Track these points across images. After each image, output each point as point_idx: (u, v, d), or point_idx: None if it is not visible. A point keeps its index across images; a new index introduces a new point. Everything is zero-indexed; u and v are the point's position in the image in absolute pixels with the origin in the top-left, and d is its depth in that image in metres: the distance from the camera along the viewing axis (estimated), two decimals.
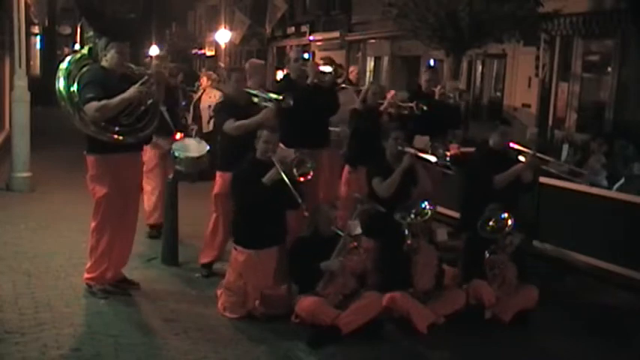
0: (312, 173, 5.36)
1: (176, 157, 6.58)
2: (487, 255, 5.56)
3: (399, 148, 5.86)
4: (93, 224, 5.56)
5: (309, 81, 6.43)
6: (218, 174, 6.26)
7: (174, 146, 6.75)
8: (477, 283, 5.53)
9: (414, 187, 5.92)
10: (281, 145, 5.69)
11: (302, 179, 5.29)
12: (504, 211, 5.61)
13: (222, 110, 6.24)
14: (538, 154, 6.02)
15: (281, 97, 5.92)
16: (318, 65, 6.64)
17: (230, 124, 5.99)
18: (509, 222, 5.56)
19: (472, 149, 7.04)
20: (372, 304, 5.10)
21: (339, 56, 24.02)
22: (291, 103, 5.92)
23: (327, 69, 6.64)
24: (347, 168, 6.99)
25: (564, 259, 7.13)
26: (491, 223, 5.61)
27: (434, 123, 6.95)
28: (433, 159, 5.82)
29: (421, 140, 5.95)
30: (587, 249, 6.91)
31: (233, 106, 6.10)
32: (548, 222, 7.32)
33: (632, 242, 6.54)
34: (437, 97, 7.16)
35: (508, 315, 5.51)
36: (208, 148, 6.69)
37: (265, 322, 5.21)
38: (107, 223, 5.51)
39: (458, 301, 5.43)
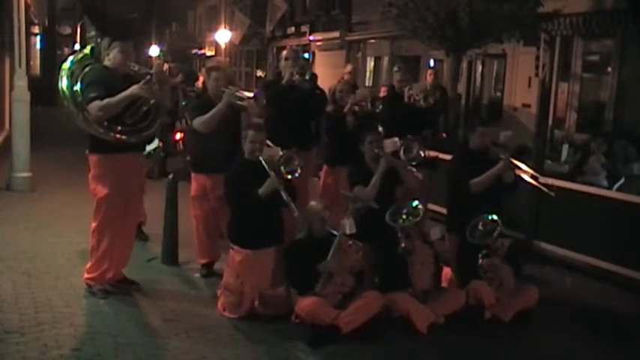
0: (299, 171, 5.35)
1: None
2: (480, 260, 5.55)
3: (376, 151, 5.82)
4: (94, 224, 5.56)
5: (284, 81, 6.42)
6: (192, 175, 6.27)
7: None
8: (477, 284, 5.52)
9: (399, 186, 5.90)
10: (269, 142, 5.67)
11: (289, 177, 5.29)
12: (492, 215, 5.58)
13: (197, 108, 6.16)
14: (511, 159, 5.91)
15: (251, 96, 5.90)
16: (294, 66, 6.47)
17: (197, 120, 5.98)
18: (498, 224, 5.54)
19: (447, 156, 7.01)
20: (372, 304, 5.10)
21: (339, 56, 24.05)
22: (263, 102, 5.93)
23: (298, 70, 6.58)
24: (325, 168, 7.01)
25: (564, 259, 7.13)
26: (480, 227, 5.59)
27: (403, 124, 6.77)
28: (405, 159, 5.80)
29: (391, 143, 5.87)
30: (587, 249, 6.91)
31: (209, 105, 5.98)
32: (548, 222, 7.32)
33: (633, 242, 6.55)
34: (405, 98, 7.08)
35: (508, 315, 5.51)
36: (156, 144, 6.69)
37: (265, 322, 5.21)
38: (108, 224, 5.51)
39: (458, 301, 5.43)
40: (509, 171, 5.84)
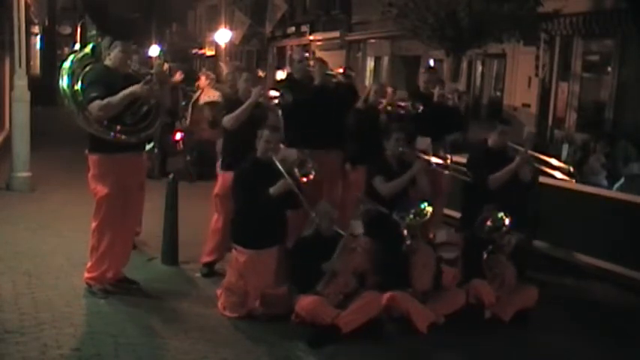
0: (313, 174, 5.34)
1: None
2: (485, 255, 5.56)
3: (400, 149, 5.86)
4: (94, 224, 5.56)
5: (316, 82, 6.42)
6: (219, 174, 6.27)
7: None
8: (477, 283, 5.53)
9: (412, 188, 5.91)
10: (282, 145, 5.70)
11: (304, 180, 5.29)
12: (501, 211, 5.60)
13: (226, 108, 6.27)
14: (531, 152, 5.96)
15: (279, 94, 5.93)
16: (326, 67, 6.56)
17: (225, 118, 6.05)
18: (506, 221, 5.55)
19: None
20: (372, 304, 5.10)
21: (339, 56, 24.05)
22: (290, 99, 5.92)
23: (334, 72, 6.64)
24: (347, 166, 6.99)
25: (564, 258, 7.13)
26: (488, 223, 5.60)
27: (432, 125, 6.89)
28: (436, 161, 5.82)
29: (423, 141, 5.91)
30: (587, 249, 6.91)
31: (239, 105, 6.08)
32: (548, 222, 7.32)
33: (632, 242, 6.54)
34: (435, 98, 7.12)
35: (508, 314, 5.51)
36: (152, 145, 6.75)
37: (265, 322, 5.20)
38: (108, 223, 5.51)
39: (458, 301, 5.43)
40: (526, 169, 5.88)
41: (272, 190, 5.18)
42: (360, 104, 6.99)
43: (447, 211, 7.75)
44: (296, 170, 5.26)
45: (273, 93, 6.03)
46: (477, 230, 5.61)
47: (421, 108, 6.83)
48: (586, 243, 6.91)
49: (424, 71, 7.64)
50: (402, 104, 6.90)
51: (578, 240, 6.98)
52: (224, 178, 6.14)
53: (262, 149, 5.38)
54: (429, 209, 5.50)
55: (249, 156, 5.47)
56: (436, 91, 7.17)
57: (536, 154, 6.05)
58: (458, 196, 6.50)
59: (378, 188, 5.76)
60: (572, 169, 6.23)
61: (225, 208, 6.11)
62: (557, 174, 6.17)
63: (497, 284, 5.55)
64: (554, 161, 6.20)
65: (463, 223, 6.25)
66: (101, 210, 5.50)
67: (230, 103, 6.33)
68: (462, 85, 16.20)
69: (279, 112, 6.74)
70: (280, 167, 5.20)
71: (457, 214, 7.06)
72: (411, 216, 5.44)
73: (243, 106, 5.99)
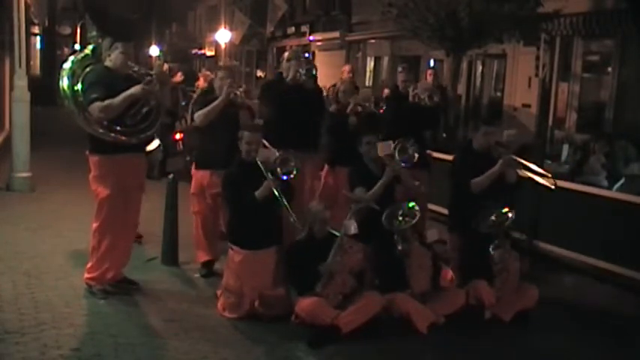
0: (295, 172, 5.35)
1: None
2: (492, 251, 5.53)
3: (373, 153, 5.81)
4: (95, 225, 5.56)
5: (288, 80, 6.39)
6: (192, 172, 6.31)
7: None
8: (477, 283, 5.52)
9: (398, 186, 5.89)
10: (265, 142, 5.69)
11: (285, 177, 5.30)
12: (496, 207, 5.58)
13: (201, 104, 6.27)
14: (514, 156, 5.89)
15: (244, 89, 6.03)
16: (299, 64, 6.45)
17: (197, 113, 6.10)
18: (510, 216, 5.54)
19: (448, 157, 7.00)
20: (372, 304, 5.10)
21: (339, 56, 24.06)
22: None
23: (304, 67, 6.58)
24: (325, 168, 7.00)
25: (564, 258, 7.13)
26: (493, 217, 5.58)
27: (407, 124, 6.76)
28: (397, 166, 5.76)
29: (386, 146, 5.84)
30: (587, 249, 6.91)
31: (210, 101, 6.10)
32: (548, 222, 7.32)
33: (632, 242, 6.54)
34: (410, 98, 7.09)
35: (508, 315, 5.50)
36: (158, 143, 6.82)
37: (265, 323, 5.20)
38: (109, 224, 5.51)
39: (458, 301, 5.42)
40: (512, 170, 5.83)
41: (257, 193, 5.21)
42: (331, 107, 6.97)
43: (433, 207, 7.74)
44: (278, 169, 5.27)
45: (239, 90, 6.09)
46: (479, 225, 5.56)
47: (383, 108, 6.83)
48: (586, 243, 6.91)
49: (401, 70, 7.61)
50: (364, 104, 6.83)
51: (578, 240, 6.97)
52: (196, 176, 6.26)
53: (245, 151, 5.41)
54: (417, 208, 5.48)
55: (235, 158, 5.51)
56: (410, 90, 7.15)
57: (519, 159, 5.96)
58: (444, 192, 6.44)
59: (361, 200, 5.67)
60: (551, 178, 6.16)
61: (200, 207, 6.23)
62: (538, 179, 6.09)
63: (503, 279, 5.53)
64: (534, 166, 6.12)
65: (453, 222, 6.19)
66: (102, 211, 5.50)
67: (204, 99, 6.33)
68: (462, 86, 16.22)
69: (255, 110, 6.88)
70: (263, 168, 5.22)
71: (442, 210, 7.02)
72: (400, 218, 5.42)
73: (214, 104, 6.00)
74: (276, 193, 5.18)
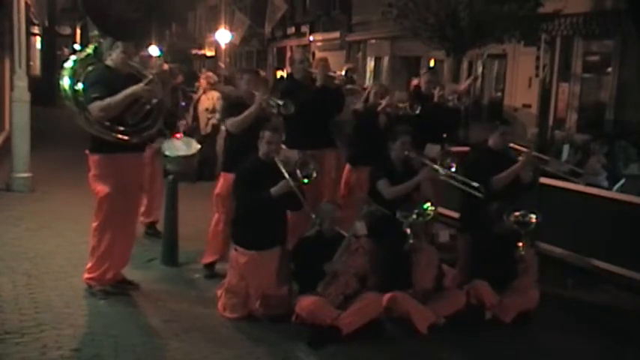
0: (315, 175, 5.34)
1: (166, 156, 6.64)
2: (521, 251, 5.56)
3: (406, 152, 5.85)
4: (95, 224, 5.56)
5: (318, 84, 6.41)
6: (222, 174, 6.27)
7: (164, 145, 6.80)
8: (478, 283, 5.52)
9: (415, 192, 5.90)
10: (283, 146, 5.70)
11: (305, 180, 5.29)
12: (510, 209, 5.61)
13: (228, 109, 6.27)
14: (535, 153, 5.97)
15: (282, 103, 5.93)
16: (328, 69, 6.56)
17: (229, 121, 6.05)
18: (536, 220, 5.59)
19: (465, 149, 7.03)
20: (373, 305, 5.10)
21: (339, 56, 24.06)
22: (292, 109, 5.93)
23: (337, 74, 6.65)
24: (347, 167, 6.98)
25: (564, 259, 7.13)
26: (517, 215, 5.60)
27: (432, 126, 6.87)
28: (442, 171, 5.81)
29: (433, 149, 5.87)
30: (587, 249, 6.90)
31: (241, 106, 6.07)
32: (548, 222, 7.31)
33: (632, 242, 6.54)
34: (435, 99, 7.12)
35: (509, 316, 5.50)
36: (199, 147, 6.79)
37: (265, 322, 5.21)
38: (109, 223, 5.51)
39: (458, 302, 5.42)
40: (528, 169, 5.88)
41: (273, 190, 5.17)
42: (359, 105, 6.99)
43: (443, 211, 7.73)
44: (298, 171, 5.25)
45: (273, 101, 6.02)
46: (505, 219, 5.58)
47: (419, 109, 6.83)
48: (586, 243, 6.90)
49: (425, 71, 7.66)
50: (401, 105, 6.89)
51: (578, 240, 6.97)
52: (225, 178, 6.15)
53: (264, 150, 5.37)
54: (432, 209, 5.50)
55: (251, 156, 5.47)
56: (436, 91, 7.18)
57: (540, 155, 6.05)
58: (454, 196, 6.45)
59: (382, 191, 5.73)
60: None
61: (225, 209, 6.10)
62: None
63: (530, 277, 5.59)
64: (557, 163, 6.22)
65: (464, 223, 6.23)
66: (102, 210, 5.50)
67: (231, 104, 6.32)
68: (464, 86, 16.20)
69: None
70: (282, 168, 5.20)
71: (453, 214, 7.05)
72: (414, 216, 5.43)
73: (247, 112, 5.95)
74: (296, 190, 5.13)
